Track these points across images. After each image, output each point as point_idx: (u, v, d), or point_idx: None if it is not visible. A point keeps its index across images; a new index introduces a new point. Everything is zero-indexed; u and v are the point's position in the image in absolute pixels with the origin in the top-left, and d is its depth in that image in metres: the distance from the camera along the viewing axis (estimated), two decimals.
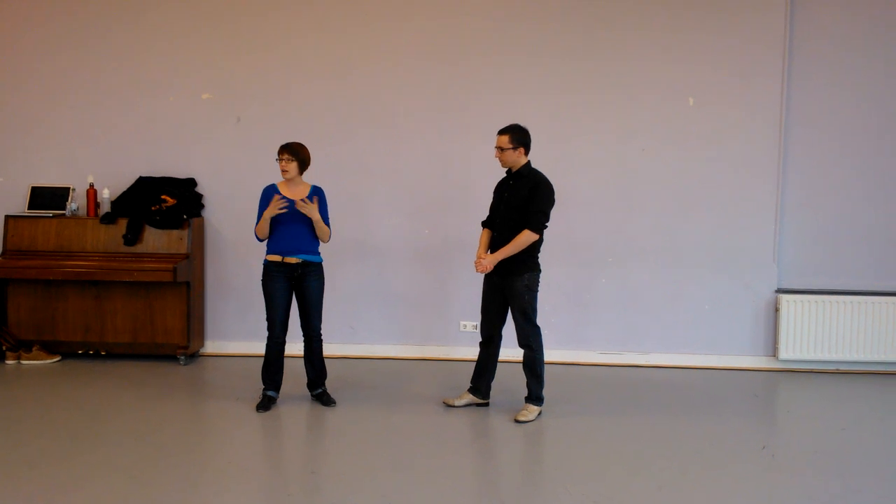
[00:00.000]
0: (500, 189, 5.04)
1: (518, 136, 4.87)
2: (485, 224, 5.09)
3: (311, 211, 4.92)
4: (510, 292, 4.91)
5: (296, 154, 4.98)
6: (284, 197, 4.92)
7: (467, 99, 6.23)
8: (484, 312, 5.09)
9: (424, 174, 6.29)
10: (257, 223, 5.00)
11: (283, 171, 4.97)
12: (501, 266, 4.87)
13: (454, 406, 5.18)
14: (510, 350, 5.31)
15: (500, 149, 4.88)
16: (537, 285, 4.94)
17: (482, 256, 4.92)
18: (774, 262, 6.21)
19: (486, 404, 5.20)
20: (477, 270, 4.94)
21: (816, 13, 6.12)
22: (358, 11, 6.25)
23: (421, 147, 6.28)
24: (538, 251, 4.93)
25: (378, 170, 6.32)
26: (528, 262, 4.89)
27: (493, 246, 4.95)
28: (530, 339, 4.93)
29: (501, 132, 4.89)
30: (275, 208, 4.86)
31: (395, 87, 6.26)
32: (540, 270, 4.96)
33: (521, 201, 4.83)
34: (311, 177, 5.22)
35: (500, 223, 4.92)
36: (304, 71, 6.30)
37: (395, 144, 6.30)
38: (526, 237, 4.80)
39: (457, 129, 6.24)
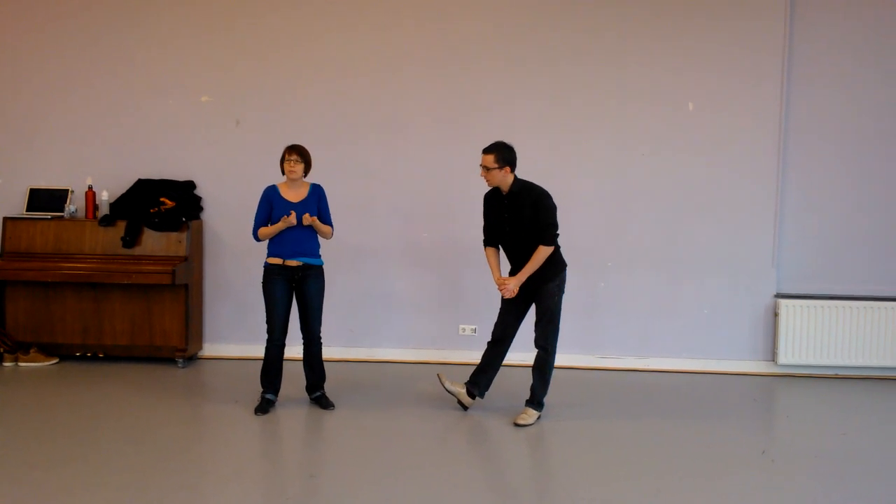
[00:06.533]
0: (496, 208, 4.98)
1: (503, 154, 4.81)
2: (487, 243, 5.07)
3: (313, 222, 4.98)
4: (542, 295, 4.93)
5: (303, 156, 5.01)
6: (289, 202, 4.99)
7: (468, 104, 6.21)
8: (503, 314, 5.07)
9: (424, 178, 6.28)
10: (255, 223, 5.04)
11: (291, 172, 4.97)
12: (533, 277, 4.87)
13: (443, 385, 5.09)
14: (512, 354, 5.26)
15: (486, 168, 4.82)
16: (565, 283, 5.00)
17: (506, 281, 4.89)
18: (774, 266, 6.20)
19: (466, 409, 5.13)
20: (504, 297, 4.94)
21: (816, 19, 6.12)
22: (358, 15, 6.24)
23: (421, 151, 6.27)
24: (559, 247, 4.98)
25: (377, 174, 6.30)
26: (557, 263, 4.94)
27: (515, 267, 4.96)
28: (548, 341, 4.96)
29: (486, 151, 4.83)
30: (285, 225, 4.90)
31: (396, 91, 6.25)
32: (566, 264, 5.02)
33: (527, 220, 4.83)
34: (311, 180, 5.19)
35: (514, 245, 4.92)
36: (303, 74, 6.29)
37: (395, 148, 6.28)
38: (543, 253, 4.83)
39: (457, 133, 6.22)
